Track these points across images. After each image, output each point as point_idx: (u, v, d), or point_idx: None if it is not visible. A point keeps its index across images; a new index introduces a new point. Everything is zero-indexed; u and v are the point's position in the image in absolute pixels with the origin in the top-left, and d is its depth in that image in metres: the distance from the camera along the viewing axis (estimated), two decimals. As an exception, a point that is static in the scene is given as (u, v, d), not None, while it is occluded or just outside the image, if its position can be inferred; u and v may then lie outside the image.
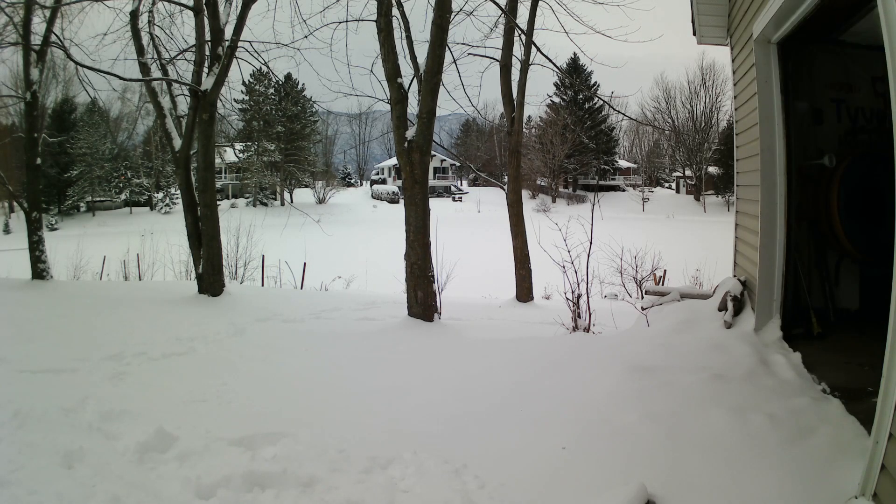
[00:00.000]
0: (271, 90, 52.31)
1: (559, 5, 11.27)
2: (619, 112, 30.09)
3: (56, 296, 7.93)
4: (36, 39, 8.87)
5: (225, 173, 51.98)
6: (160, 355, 5.04)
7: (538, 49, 10.95)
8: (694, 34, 6.09)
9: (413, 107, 7.43)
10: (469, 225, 35.60)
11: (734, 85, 5.57)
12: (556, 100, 54.30)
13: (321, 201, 53.36)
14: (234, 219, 14.89)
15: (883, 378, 2.15)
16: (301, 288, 13.92)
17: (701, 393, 3.53)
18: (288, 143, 52.44)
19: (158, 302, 7.88)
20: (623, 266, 12.53)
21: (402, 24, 8.42)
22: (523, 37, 11.65)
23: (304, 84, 51.10)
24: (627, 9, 11.26)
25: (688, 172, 58.66)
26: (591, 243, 6.81)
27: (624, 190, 60.35)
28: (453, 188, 63.39)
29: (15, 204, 18.60)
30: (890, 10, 2.11)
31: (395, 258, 9.92)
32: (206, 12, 8.42)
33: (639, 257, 12.45)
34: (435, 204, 8.90)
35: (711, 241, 12.52)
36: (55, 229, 38.71)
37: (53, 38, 8.92)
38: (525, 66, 12.11)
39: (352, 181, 70.78)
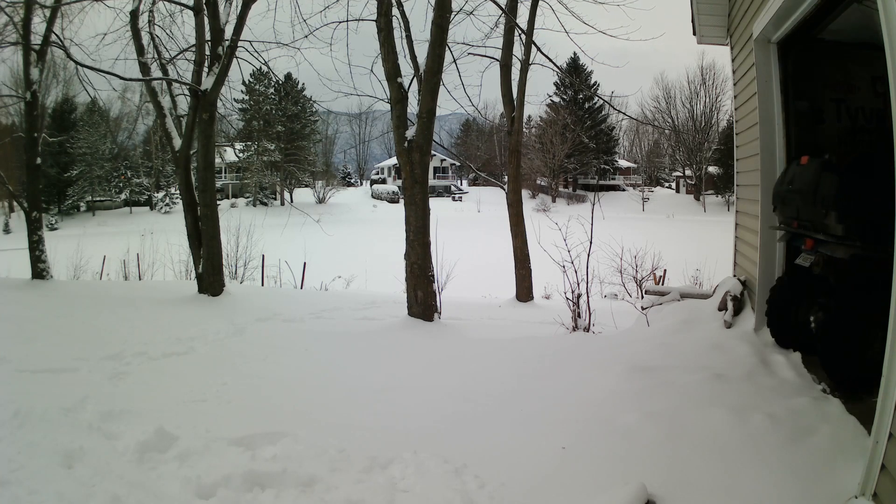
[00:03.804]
0: (271, 90, 52.29)
1: (559, 4, 11.28)
2: (619, 111, 30.17)
3: (56, 295, 7.93)
4: (36, 39, 8.86)
5: (225, 173, 51.95)
6: (160, 355, 5.04)
7: (538, 49, 10.96)
8: (694, 34, 6.09)
9: (413, 106, 7.43)
10: (469, 225, 35.58)
11: (734, 85, 5.57)
12: (556, 99, 54.27)
13: (321, 201, 53.34)
14: (234, 218, 14.89)
15: (883, 378, 2.15)
16: (301, 288, 13.92)
17: (701, 392, 3.54)
18: (288, 143, 52.40)
19: (158, 302, 7.88)
20: (623, 266, 12.53)
21: (402, 24, 8.43)
22: (523, 36, 11.65)
23: (304, 84, 51.16)
24: (627, 8, 11.25)
25: (688, 172, 58.64)
26: (591, 243, 6.82)
27: (624, 190, 60.33)
28: (453, 188, 63.37)
29: (15, 204, 18.60)
30: (890, 10, 2.10)
31: (395, 258, 9.91)
32: (206, 12, 8.41)
33: (639, 257, 12.46)
34: (435, 204, 8.90)
35: (711, 241, 12.52)
36: (55, 229, 38.69)
37: (53, 37, 8.91)
38: (525, 65, 12.11)
39: (352, 181, 70.73)
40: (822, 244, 3.66)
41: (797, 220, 4.00)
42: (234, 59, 8.78)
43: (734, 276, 5.48)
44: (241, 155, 48.10)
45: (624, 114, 30.65)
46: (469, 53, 11.44)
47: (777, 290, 4.29)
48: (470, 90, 15.78)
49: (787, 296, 4.22)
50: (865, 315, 3.47)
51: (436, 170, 62.00)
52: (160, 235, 16.29)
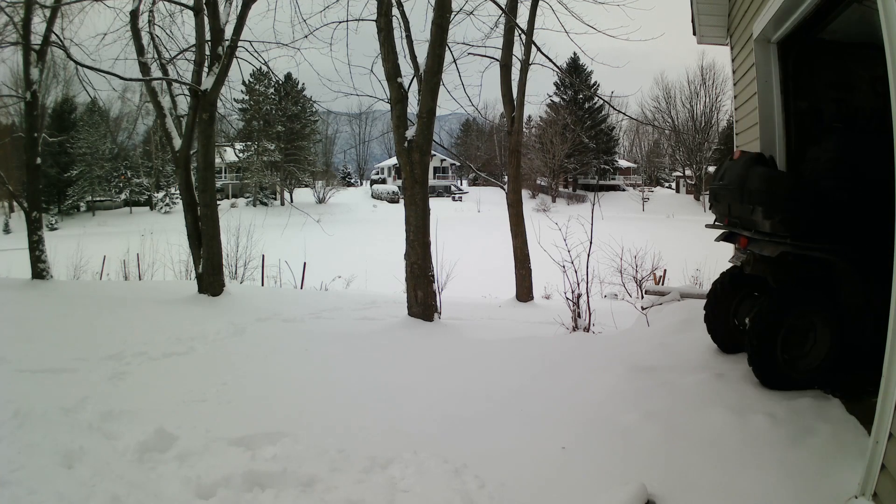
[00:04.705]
0: (271, 90, 52.25)
1: (559, 4, 11.29)
2: (619, 111, 30.15)
3: (56, 296, 7.93)
4: (36, 39, 8.86)
5: (225, 173, 51.95)
6: (160, 355, 5.04)
7: (538, 49, 10.97)
8: (694, 34, 6.10)
9: (413, 106, 7.43)
10: (469, 225, 35.58)
11: (734, 85, 5.57)
12: (556, 99, 54.27)
13: (321, 201, 53.34)
14: (234, 218, 14.89)
15: (883, 378, 2.15)
16: (301, 288, 13.92)
17: (701, 392, 3.54)
18: (288, 143, 52.40)
19: (158, 302, 7.88)
20: (623, 266, 12.53)
21: (402, 24, 8.41)
22: (523, 36, 11.66)
23: (304, 84, 51.12)
24: (627, 8, 11.27)
25: (688, 172, 58.64)
26: (591, 243, 6.82)
27: (624, 190, 60.33)
28: (453, 188, 63.37)
29: (15, 204, 18.60)
30: (890, 10, 2.10)
31: (395, 258, 9.91)
32: (206, 12, 8.41)
33: (639, 257, 12.46)
34: (435, 204, 8.89)
35: (711, 241, 12.48)
36: (55, 229, 38.70)
37: (53, 37, 8.91)
38: (525, 65, 12.11)
39: (352, 181, 70.72)
40: (753, 242, 3.58)
41: (728, 217, 3.92)
42: (234, 59, 8.78)
43: (734, 276, 5.47)
44: (241, 155, 48.08)
45: (624, 114, 30.73)
46: (469, 53, 11.45)
47: (714, 291, 4.25)
48: (470, 90, 15.75)
49: (723, 297, 4.15)
50: (795, 315, 3.40)
51: (436, 170, 61.98)
52: (160, 235, 16.28)
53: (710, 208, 4.18)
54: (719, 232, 4.12)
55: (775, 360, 3.42)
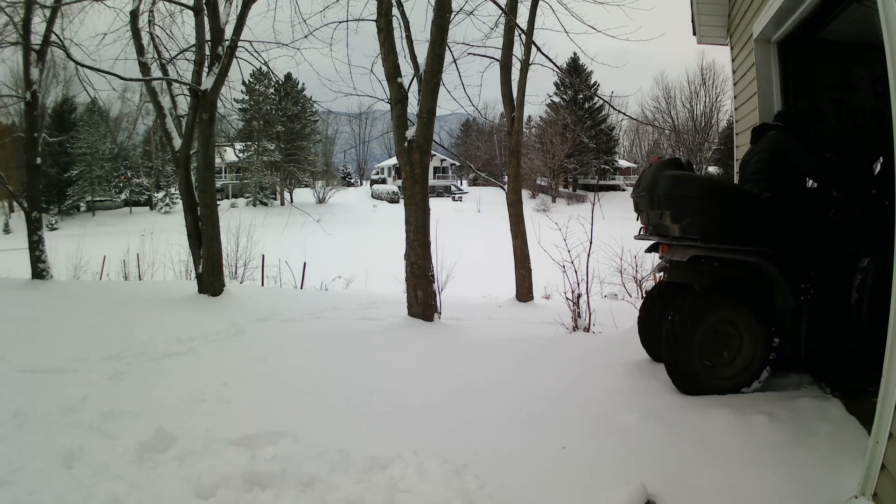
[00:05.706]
0: (271, 90, 52.24)
1: (559, 4, 11.28)
2: (619, 111, 30.12)
3: (56, 296, 7.93)
4: (36, 39, 8.88)
5: (225, 173, 51.94)
6: (160, 355, 5.04)
7: (538, 49, 10.95)
8: (694, 34, 6.10)
9: (413, 106, 7.42)
10: (469, 225, 35.58)
11: (734, 84, 5.58)
12: (556, 99, 54.25)
13: (321, 201, 53.33)
14: (234, 218, 14.88)
15: (883, 378, 2.15)
16: (301, 287, 13.92)
17: (701, 393, 3.54)
18: (288, 143, 52.40)
19: (158, 302, 7.88)
20: (623, 266, 12.52)
21: (402, 24, 8.41)
22: (523, 36, 11.64)
23: (304, 84, 51.09)
24: (627, 8, 11.26)
25: (688, 172, 58.59)
26: (591, 243, 6.82)
27: (624, 190, 60.30)
28: (453, 188, 63.35)
29: (15, 204, 18.61)
30: (890, 10, 2.10)
31: (395, 258, 9.91)
32: (206, 12, 8.41)
33: (639, 257, 12.44)
34: (435, 204, 8.89)
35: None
36: (55, 229, 38.67)
37: (53, 37, 8.93)
38: (525, 65, 12.10)
39: (352, 181, 70.67)
40: (670, 248, 3.56)
41: (647, 226, 3.88)
42: (234, 59, 8.78)
43: (734, 276, 5.46)
44: (241, 155, 48.08)
45: (624, 114, 30.65)
46: (469, 53, 11.43)
47: (646, 302, 4.23)
48: (470, 90, 15.73)
49: (653, 306, 4.14)
50: (714, 321, 3.37)
51: (436, 170, 61.96)
52: (160, 235, 16.27)
53: (637, 219, 4.13)
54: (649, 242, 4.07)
55: (693, 367, 3.40)
